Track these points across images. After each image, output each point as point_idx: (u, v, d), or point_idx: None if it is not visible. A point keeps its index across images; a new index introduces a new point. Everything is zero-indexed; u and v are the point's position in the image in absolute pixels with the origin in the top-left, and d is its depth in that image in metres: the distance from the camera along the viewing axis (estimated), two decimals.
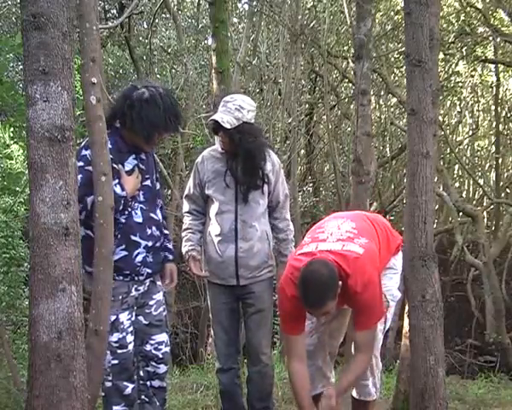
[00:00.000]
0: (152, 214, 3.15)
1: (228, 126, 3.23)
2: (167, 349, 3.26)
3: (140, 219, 3.08)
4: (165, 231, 3.32)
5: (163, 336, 3.24)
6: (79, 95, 3.28)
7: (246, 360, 3.60)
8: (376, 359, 3.16)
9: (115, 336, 3.02)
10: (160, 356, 3.22)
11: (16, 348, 4.46)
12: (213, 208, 3.38)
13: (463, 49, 9.36)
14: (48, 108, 2.29)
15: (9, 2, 9.52)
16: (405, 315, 3.84)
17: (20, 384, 3.84)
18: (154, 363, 3.21)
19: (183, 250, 3.47)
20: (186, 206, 3.53)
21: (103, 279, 2.61)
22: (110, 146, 2.93)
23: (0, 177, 4.48)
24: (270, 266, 3.45)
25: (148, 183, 3.18)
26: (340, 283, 2.90)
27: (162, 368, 3.24)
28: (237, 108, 3.26)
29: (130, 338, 3.09)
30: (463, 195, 13.25)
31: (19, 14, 6.15)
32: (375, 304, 3.03)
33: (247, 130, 3.27)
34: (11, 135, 4.64)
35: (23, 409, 3.16)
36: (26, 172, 2.86)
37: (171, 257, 3.32)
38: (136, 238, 3.07)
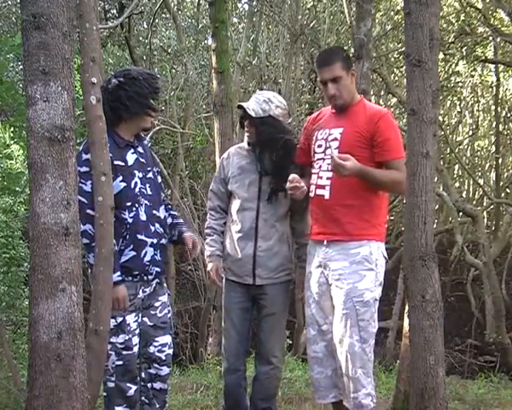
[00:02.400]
0: (155, 211, 3.14)
1: (252, 114, 3.25)
2: (170, 352, 3.25)
3: (144, 217, 3.07)
4: (172, 212, 3.32)
5: (167, 339, 3.23)
6: (79, 95, 3.29)
7: (255, 359, 3.57)
8: (363, 369, 3.06)
9: (121, 338, 3.02)
10: (163, 358, 3.21)
11: (16, 348, 4.46)
12: (235, 205, 3.37)
13: (463, 49, 9.36)
14: (48, 108, 2.29)
15: (9, 2, 9.54)
16: (405, 315, 3.83)
17: (20, 384, 3.84)
18: (156, 365, 3.21)
19: (207, 251, 3.46)
20: (210, 202, 3.52)
21: (103, 279, 2.61)
22: (108, 144, 2.94)
23: (0, 177, 4.48)
24: (289, 269, 3.40)
25: (150, 175, 3.18)
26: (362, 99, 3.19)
27: (165, 370, 3.23)
28: (265, 100, 3.29)
29: (135, 340, 3.08)
30: (463, 195, 13.24)
31: (19, 14, 6.15)
32: (397, 135, 3.08)
33: (272, 123, 3.27)
34: (11, 135, 4.64)
35: (23, 409, 3.16)
36: (26, 172, 2.87)
37: (185, 228, 3.30)
38: (142, 237, 3.06)
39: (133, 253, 3.04)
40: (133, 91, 3.04)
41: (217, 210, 3.48)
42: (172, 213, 3.34)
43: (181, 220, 3.35)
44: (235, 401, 3.47)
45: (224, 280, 3.48)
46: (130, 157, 3.10)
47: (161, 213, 3.20)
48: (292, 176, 3.15)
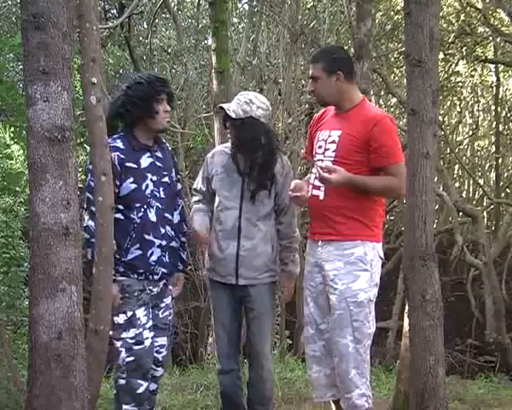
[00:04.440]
0: (167, 214, 3.17)
1: (233, 115, 3.23)
2: (166, 353, 3.29)
3: (154, 218, 3.10)
4: (183, 239, 3.34)
5: (165, 340, 3.25)
6: (79, 95, 3.29)
7: (246, 362, 3.57)
8: (357, 369, 3.05)
9: (132, 332, 3.03)
10: (160, 359, 3.23)
11: (16, 348, 4.46)
12: (218, 204, 3.36)
13: (463, 49, 9.36)
14: (48, 108, 2.29)
15: (9, 2, 9.52)
16: (405, 315, 3.84)
17: (20, 384, 3.84)
18: (153, 366, 3.21)
19: (195, 225, 3.35)
20: (194, 198, 3.50)
21: (103, 279, 2.61)
22: (123, 147, 3.05)
23: (0, 177, 4.48)
24: (272, 270, 3.36)
25: (166, 179, 3.21)
26: (363, 99, 3.16)
27: (160, 371, 3.26)
28: (246, 102, 3.26)
29: (147, 334, 3.09)
30: (463, 195, 13.24)
31: (19, 14, 6.14)
32: (393, 140, 3.07)
33: (252, 124, 3.24)
34: (11, 135, 4.64)
35: (23, 409, 3.16)
36: (26, 172, 2.87)
37: (180, 267, 3.34)
38: (150, 237, 3.09)
39: (139, 252, 3.07)
40: (136, 96, 3.10)
41: (201, 201, 3.45)
42: (183, 239, 3.34)
43: (183, 255, 3.36)
44: (232, 400, 3.47)
45: (209, 282, 3.48)
46: (145, 160, 3.14)
47: (175, 217, 3.25)
48: (293, 184, 3.14)
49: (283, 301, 3.49)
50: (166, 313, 3.25)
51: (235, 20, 10.36)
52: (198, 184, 3.49)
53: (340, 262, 3.07)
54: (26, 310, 4.10)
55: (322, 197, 3.12)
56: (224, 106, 3.30)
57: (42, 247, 2.30)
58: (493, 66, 10.66)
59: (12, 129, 4.64)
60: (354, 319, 3.04)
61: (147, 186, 3.10)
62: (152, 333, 3.13)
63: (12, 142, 4.64)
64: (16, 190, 4.47)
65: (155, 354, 3.20)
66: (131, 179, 3.03)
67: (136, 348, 3.05)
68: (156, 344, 3.20)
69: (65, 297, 2.31)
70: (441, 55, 8.70)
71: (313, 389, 3.29)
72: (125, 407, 3.10)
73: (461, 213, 9.84)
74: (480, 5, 9.27)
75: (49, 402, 2.29)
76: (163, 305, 3.23)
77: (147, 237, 3.08)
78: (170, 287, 3.28)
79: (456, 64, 10.07)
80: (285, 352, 6.55)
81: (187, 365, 6.23)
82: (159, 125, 3.18)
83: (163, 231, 3.14)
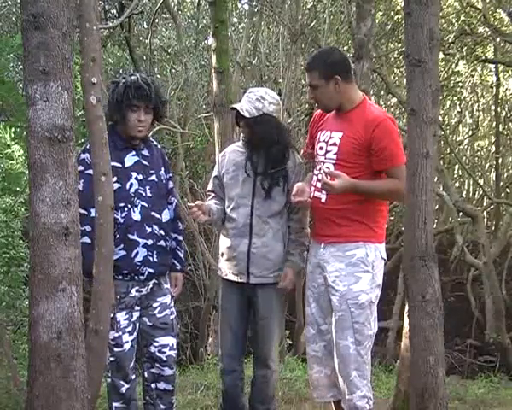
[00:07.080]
0: (154, 213, 3.14)
1: (247, 115, 3.23)
2: (172, 353, 3.24)
3: (138, 217, 3.08)
4: (179, 238, 3.33)
5: (168, 340, 3.22)
6: (79, 94, 3.30)
7: (249, 361, 3.57)
8: (358, 371, 3.05)
9: (111, 335, 3.02)
10: (164, 359, 3.21)
11: (16, 348, 4.46)
12: (229, 202, 3.35)
13: (463, 49, 9.35)
14: (48, 108, 2.29)
15: (9, 2, 9.53)
16: (405, 315, 3.83)
17: (20, 384, 3.84)
18: (158, 365, 3.21)
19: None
20: (209, 198, 3.50)
21: (103, 279, 2.61)
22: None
23: (0, 177, 4.48)
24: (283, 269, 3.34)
25: (153, 178, 3.18)
26: (362, 99, 3.15)
27: (167, 371, 3.22)
28: (258, 99, 3.26)
29: (126, 338, 3.10)
30: (463, 195, 13.24)
31: (19, 14, 6.15)
32: (395, 142, 3.05)
33: (267, 121, 3.25)
34: (12, 135, 4.64)
35: (23, 409, 3.16)
36: (27, 172, 2.87)
37: (178, 267, 3.33)
38: (134, 237, 3.07)
39: (123, 252, 3.05)
40: (111, 97, 3.10)
41: (215, 198, 3.45)
42: (179, 238, 3.34)
43: (181, 255, 3.36)
44: (233, 400, 3.47)
45: (221, 280, 3.48)
46: (130, 159, 3.12)
47: (164, 215, 3.20)
48: (295, 187, 3.12)
49: (279, 290, 3.34)
50: (166, 312, 3.22)
51: (235, 20, 10.35)
52: (209, 185, 3.51)
53: (341, 264, 3.06)
54: (26, 310, 4.11)
55: (323, 200, 3.11)
56: (237, 106, 3.29)
57: (42, 247, 2.30)
58: (493, 66, 10.66)
59: (13, 129, 4.64)
60: (355, 321, 3.04)
61: (131, 185, 3.09)
62: (132, 337, 3.12)
63: (12, 142, 4.64)
64: (16, 190, 4.47)
65: (158, 354, 3.19)
66: (115, 179, 2.97)
67: (115, 350, 3.07)
68: (157, 344, 3.19)
69: (65, 297, 2.30)
70: (441, 55, 8.70)
71: (314, 389, 3.30)
72: (114, 404, 3.14)
73: (461, 213, 9.84)
74: (480, 5, 9.27)
75: (49, 402, 2.29)
76: (157, 304, 3.20)
77: (131, 236, 3.06)
78: (166, 286, 3.25)
79: (456, 64, 10.07)
80: (285, 352, 6.55)
81: (187, 365, 6.23)
82: (130, 131, 3.11)
83: (149, 230, 3.10)
